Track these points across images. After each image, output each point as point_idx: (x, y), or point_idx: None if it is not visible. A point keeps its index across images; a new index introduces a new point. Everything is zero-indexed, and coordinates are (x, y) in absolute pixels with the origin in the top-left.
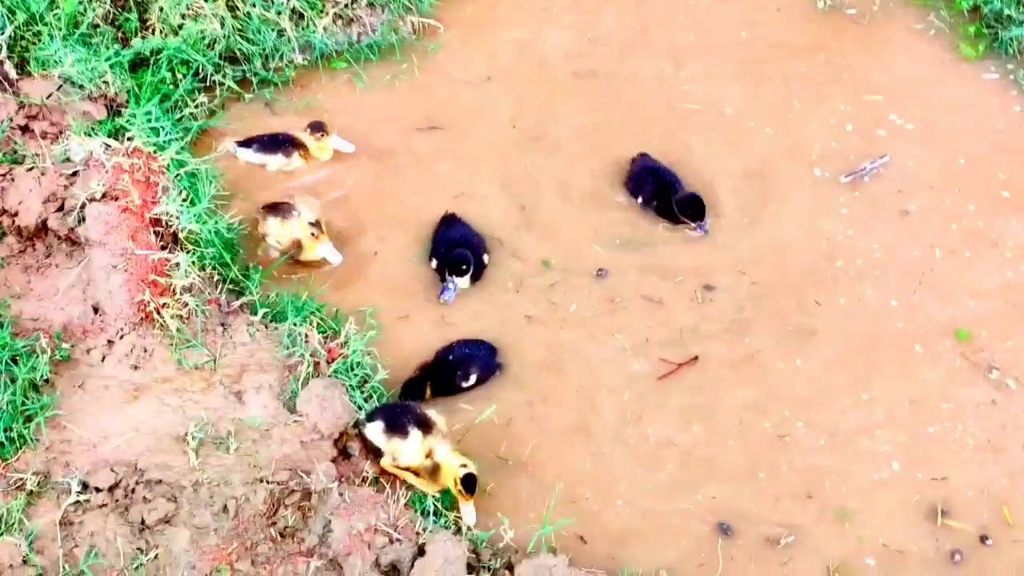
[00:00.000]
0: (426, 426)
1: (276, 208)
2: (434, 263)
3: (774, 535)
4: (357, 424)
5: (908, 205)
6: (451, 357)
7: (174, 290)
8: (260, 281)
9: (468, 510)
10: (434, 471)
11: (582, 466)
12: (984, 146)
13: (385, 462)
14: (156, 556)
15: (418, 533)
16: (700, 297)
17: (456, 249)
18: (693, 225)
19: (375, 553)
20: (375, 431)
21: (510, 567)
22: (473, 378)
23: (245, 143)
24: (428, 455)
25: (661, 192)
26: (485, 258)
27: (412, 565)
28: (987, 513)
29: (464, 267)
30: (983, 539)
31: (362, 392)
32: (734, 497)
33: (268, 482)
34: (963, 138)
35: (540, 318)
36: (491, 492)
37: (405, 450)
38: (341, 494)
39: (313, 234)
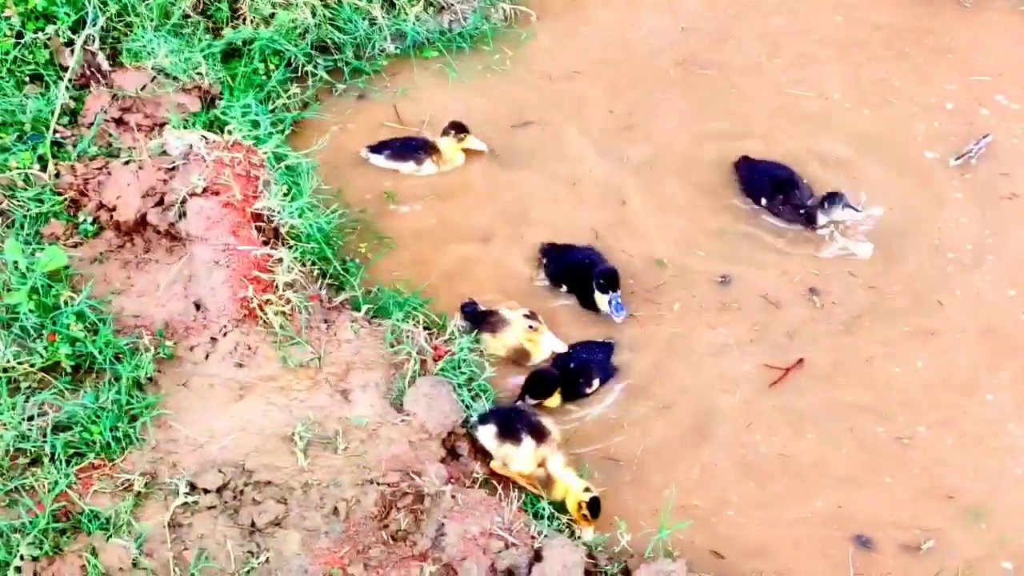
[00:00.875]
0: (540, 434)
1: (485, 323)
2: (566, 288)
3: (912, 541)
4: (466, 424)
5: (1016, 188)
6: (572, 364)
7: (276, 286)
8: (361, 276)
9: (588, 533)
10: (547, 483)
11: (691, 472)
12: None
13: (495, 464)
14: (267, 560)
15: (533, 537)
16: (816, 302)
17: (601, 267)
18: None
19: (490, 558)
20: (487, 434)
21: (627, 572)
22: (596, 383)
23: (376, 148)
24: (541, 464)
25: (782, 191)
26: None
27: (529, 571)
28: None
29: (617, 278)
30: None
31: (469, 390)
32: (861, 505)
33: (378, 484)
34: None
35: (647, 319)
36: (602, 495)
37: (517, 457)
38: (453, 496)
39: (532, 327)
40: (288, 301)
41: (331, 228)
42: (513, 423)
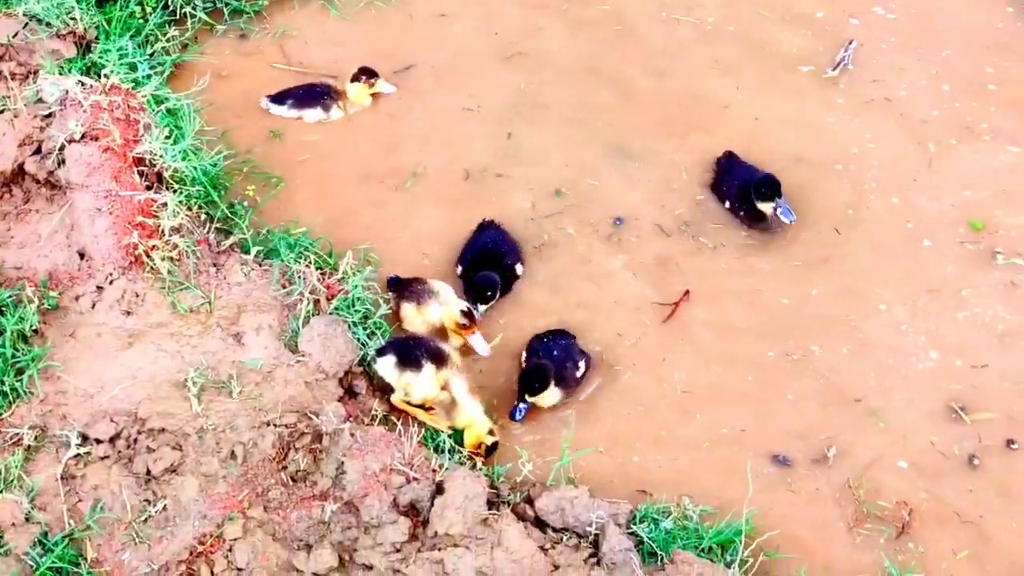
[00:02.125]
0: (440, 358)
1: (409, 290)
2: (458, 269)
3: (819, 452)
4: (363, 361)
5: (889, 93)
6: (555, 352)
7: (162, 231)
8: (250, 218)
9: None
10: (451, 407)
11: (593, 406)
12: (973, 42)
13: (396, 398)
14: (164, 507)
15: (435, 471)
16: (707, 243)
17: (479, 274)
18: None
19: (392, 493)
20: (387, 365)
21: (530, 501)
22: (582, 366)
23: (277, 98)
24: (444, 387)
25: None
26: (518, 268)
27: (432, 503)
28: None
29: (489, 293)
30: (1009, 443)
31: (364, 328)
32: (769, 425)
33: (275, 425)
34: (951, 33)
35: (551, 243)
36: (505, 427)
37: (419, 383)
38: (352, 434)
39: (464, 325)
40: (175, 246)
41: (217, 171)
42: (412, 350)
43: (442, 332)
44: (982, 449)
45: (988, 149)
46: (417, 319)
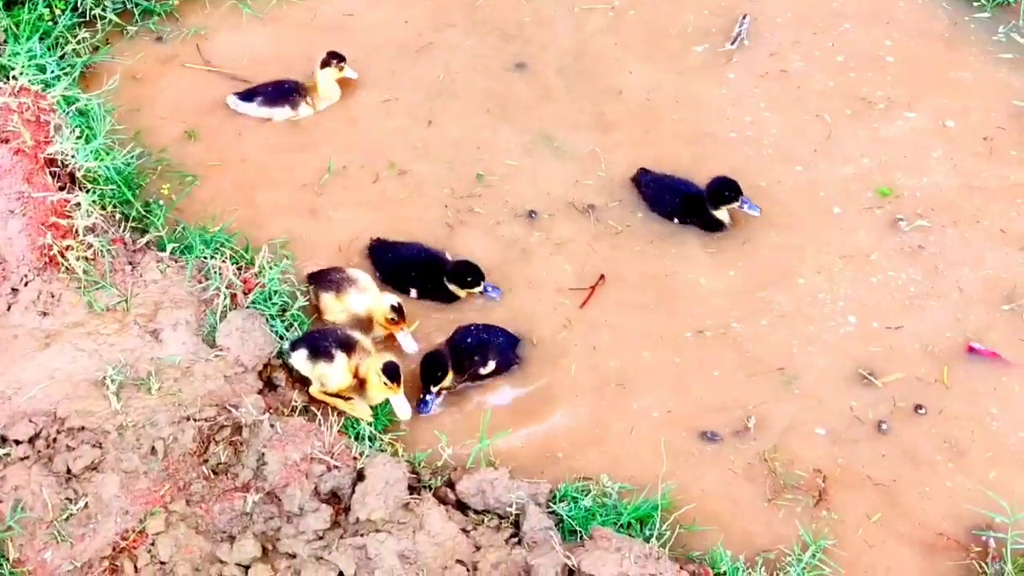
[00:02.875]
0: (349, 346)
1: (327, 279)
2: (413, 292)
3: (739, 424)
4: (281, 354)
5: (785, 66)
6: (469, 340)
7: (76, 231)
8: (165, 216)
9: (399, 402)
10: (361, 385)
11: (533, 396)
12: (872, 17)
13: (314, 390)
14: (86, 505)
15: (355, 458)
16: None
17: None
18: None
19: (313, 482)
20: (300, 359)
21: (451, 484)
22: (491, 364)
23: (246, 96)
24: (356, 375)
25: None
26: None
27: (353, 490)
28: (929, 370)
29: (470, 279)
30: (917, 408)
31: (282, 321)
32: (695, 402)
33: (195, 420)
34: (850, 8)
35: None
36: (428, 417)
37: (332, 374)
38: (272, 425)
39: (393, 320)
40: (90, 246)
41: (131, 170)
42: (321, 342)
43: (367, 322)
44: (895, 412)
45: (884, 117)
46: (337, 307)
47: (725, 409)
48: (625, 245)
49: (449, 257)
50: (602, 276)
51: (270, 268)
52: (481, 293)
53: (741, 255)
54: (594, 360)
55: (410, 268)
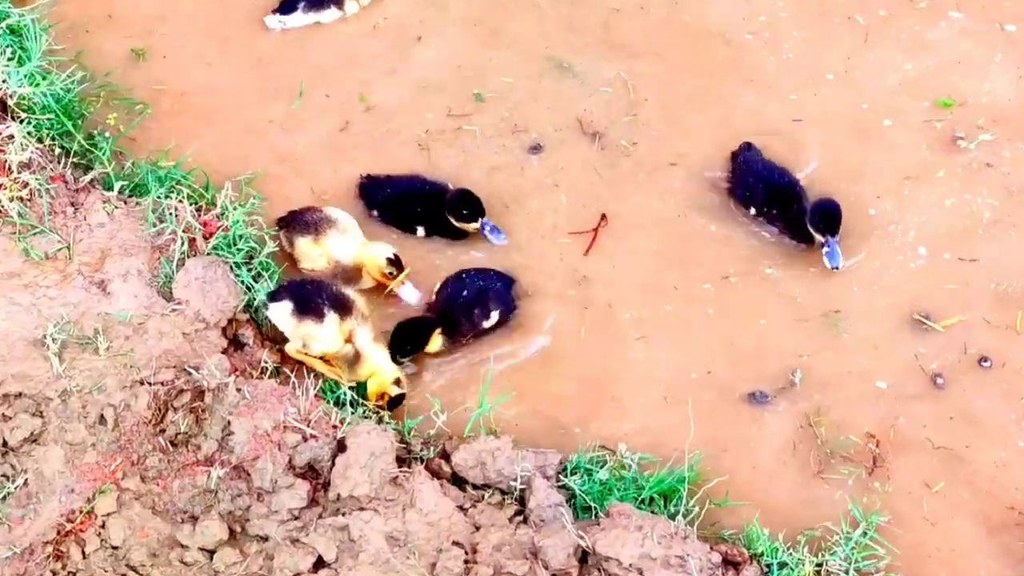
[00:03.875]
0: (345, 306)
1: (302, 221)
2: (421, 232)
3: (784, 382)
4: (249, 307)
5: None
6: (465, 293)
7: (9, 168)
8: (111, 149)
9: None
10: (355, 360)
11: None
12: None
13: (291, 348)
14: (25, 482)
15: (335, 426)
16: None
17: (456, 194)
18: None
19: (287, 453)
20: (281, 313)
21: (446, 456)
22: (495, 316)
23: (286, 7)
24: (348, 339)
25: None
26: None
27: (333, 463)
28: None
29: (466, 212)
30: (982, 360)
31: (249, 269)
32: (733, 361)
33: (150, 383)
34: None
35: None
36: (417, 377)
37: (321, 335)
38: (239, 390)
39: (391, 274)
40: (25, 184)
41: (72, 97)
42: (312, 297)
43: (352, 271)
44: (958, 364)
45: (927, 18)
46: (315, 253)
47: (767, 364)
48: (632, 180)
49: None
50: (603, 216)
51: (234, 209)
52: (479, 231)
53: None
54: (607, 312)
55: (414, 203)
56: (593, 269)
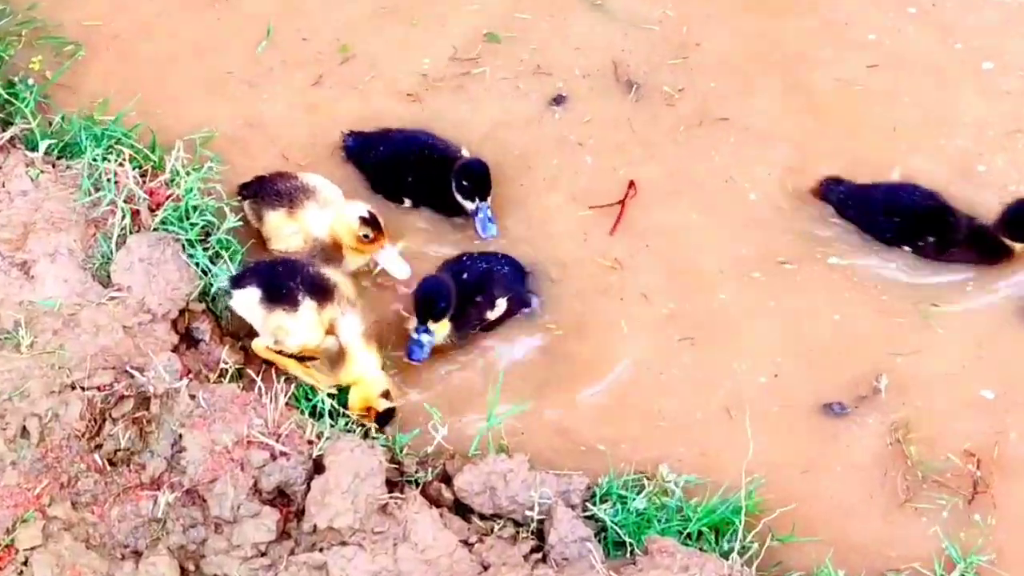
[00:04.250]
0: (324, 291)
1: (273, 190)
2: (407, 202)
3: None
4: (205, 295)
5: None
6: (465, 276)
7: None
8: (36, 100)
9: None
10: (338, 358)
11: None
12: None
13: (260, 344)
14: None
15: (311, 442)
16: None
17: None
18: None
19: (252, 475)
20: (248, 302)
21: (447, 478)
22: (501, 304)
23: None
24: (330, 330)
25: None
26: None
27: (308, 487)
28: None
29: (443, 305)
30: None
31: (205, 248)
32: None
33: (84, 388)
34: None
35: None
36: (409, 378)
37: (296, 327)
38: (193, 396)
39: (367, 237)
40: None
41: None
42: (284, 280)
43: (335, 250)
44: None
45: None
46: (289, 229)
47: (844, 368)
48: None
49: (466, 154)
50: (631, 185)
51: (187, 174)
52: (472, 215)
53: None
54: (642, 305)
55: (405, 166)
56: (623, 250)
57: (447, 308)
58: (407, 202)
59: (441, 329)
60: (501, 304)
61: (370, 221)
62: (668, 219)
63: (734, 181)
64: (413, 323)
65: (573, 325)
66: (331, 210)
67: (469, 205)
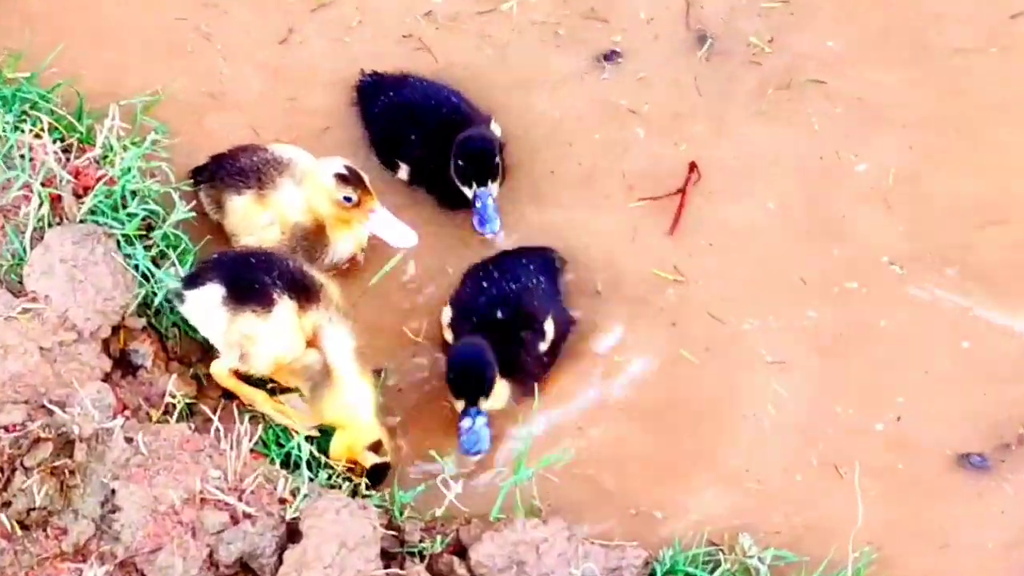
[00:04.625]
0: (306, 290)
1: (235, 168)
2: (403, 171)
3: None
4: (146, 307)
5: None
6: (500, 313)
7: None
8: None
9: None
10: (322, 382)
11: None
12: None
13: (220, 368)
14: None
15: (284, 501)
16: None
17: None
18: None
19: (206, 543)
20: (207, 303)
21: (460, 549)
22: (549, 331)
23: None
24: (311, 342)
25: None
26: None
27: (280, 559)
28: None
29: (490, 377)
30: None
31: (147, 247)
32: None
33: None
34: None
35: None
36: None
37: (268, 336)
38: (130, 439)
39: (348, 200)
40: None
41: None
42: (254, 276)
43: (314, 235)
44: None
45: None
46: (260, 218)
47: (982, 410)
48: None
49: (496, 128)
50: (692, 168)
51: (124, 149)
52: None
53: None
54: (709, 324)
55: (410, 121)
56: (682, 252)
57: (494, 375)
58: (403, 170)
59: (495, 402)
60: (549, 329)
61: (349, 177)
62: (739, 211)
63: (831, 162)
64: (459, 404)
65: (617, 353)
66: (312, 179)
67: (467, 191)
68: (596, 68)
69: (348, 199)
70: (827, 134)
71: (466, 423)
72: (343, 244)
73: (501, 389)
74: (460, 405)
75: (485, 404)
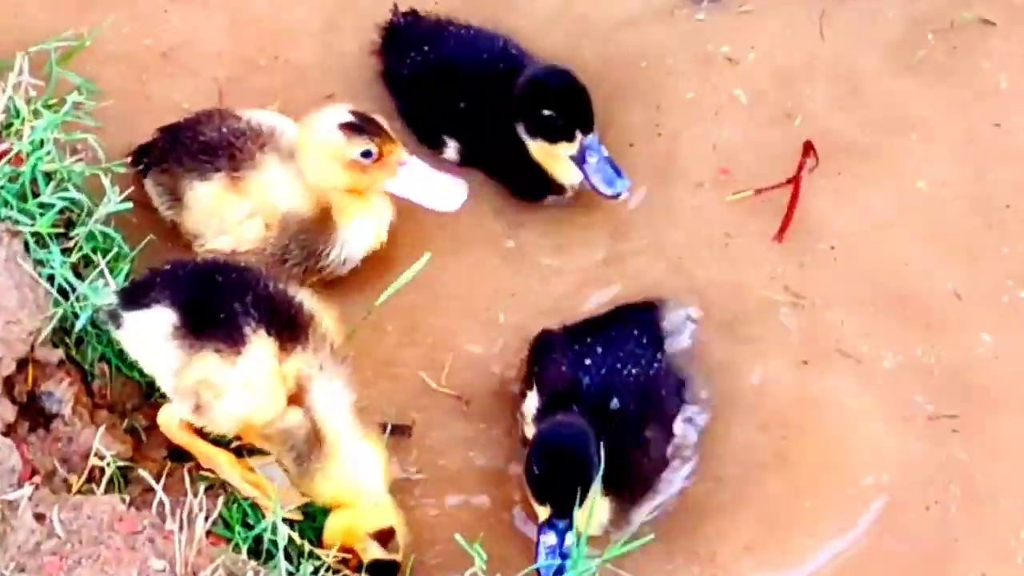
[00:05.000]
0: (290, 323)
1: (198, 144)
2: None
3: None
4: (64, 332)
5: None
6: (615, 399)
7: None
8: None
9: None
10: (311, 448)
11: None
12: None
13: (169, 418)
14: None
15: None
16: None
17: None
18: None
19: None
20: (152, 333)
21: None
22: (688, 434)
23: None
24: (295, 397)
25: None
26: None
27: None
28: None
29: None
30: None
31: (67, 250)
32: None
33: None
34: None
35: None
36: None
37: (236, 383)
38: (41, 516)
39: (367, 155)
40: None
41: None
42: (219, 299)
43: (313, 224)
44: None
45: None
46: (235, 212)
47: None
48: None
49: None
50: (808, 149)
51: (34, 114)
52: (579, 165)
53: None
54: (844, 364)
55: (455, 84)
56: (794, 261)
57: (592, 478)
58: (450, 148)
59: (592, 521)
60: (680, 429)
61: (361, 125)
62: (873, 203)
63: (1000, 133)
64: (542, 512)
65: (740, 405)
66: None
67: (567, 148)
68: (689, 8)
69: (368, 154)
70: (1002, 95)
71: (549, 539)
72: (357, 235)
73: (602, 505)
74: (543, 513)
75: (580, 517)
